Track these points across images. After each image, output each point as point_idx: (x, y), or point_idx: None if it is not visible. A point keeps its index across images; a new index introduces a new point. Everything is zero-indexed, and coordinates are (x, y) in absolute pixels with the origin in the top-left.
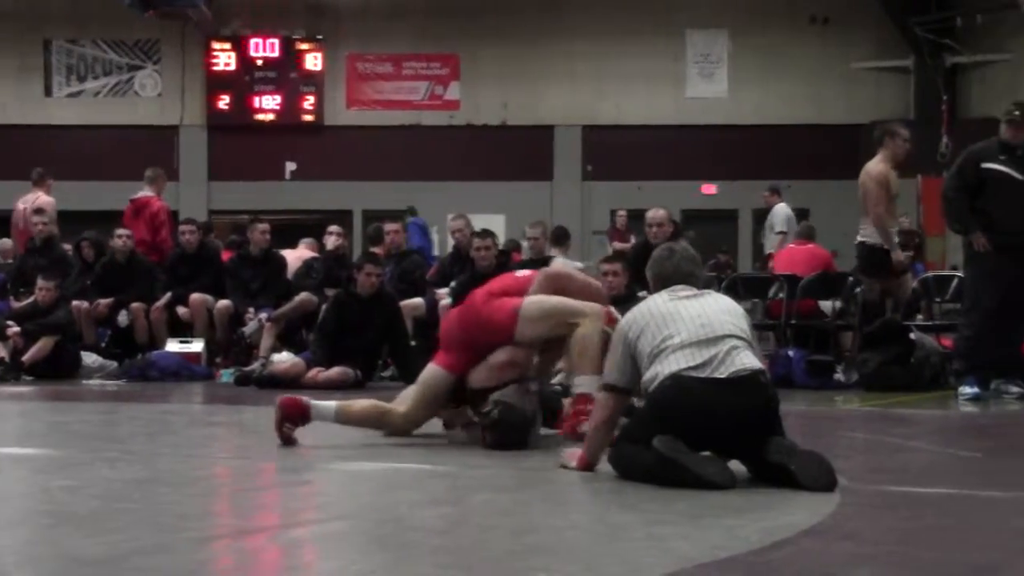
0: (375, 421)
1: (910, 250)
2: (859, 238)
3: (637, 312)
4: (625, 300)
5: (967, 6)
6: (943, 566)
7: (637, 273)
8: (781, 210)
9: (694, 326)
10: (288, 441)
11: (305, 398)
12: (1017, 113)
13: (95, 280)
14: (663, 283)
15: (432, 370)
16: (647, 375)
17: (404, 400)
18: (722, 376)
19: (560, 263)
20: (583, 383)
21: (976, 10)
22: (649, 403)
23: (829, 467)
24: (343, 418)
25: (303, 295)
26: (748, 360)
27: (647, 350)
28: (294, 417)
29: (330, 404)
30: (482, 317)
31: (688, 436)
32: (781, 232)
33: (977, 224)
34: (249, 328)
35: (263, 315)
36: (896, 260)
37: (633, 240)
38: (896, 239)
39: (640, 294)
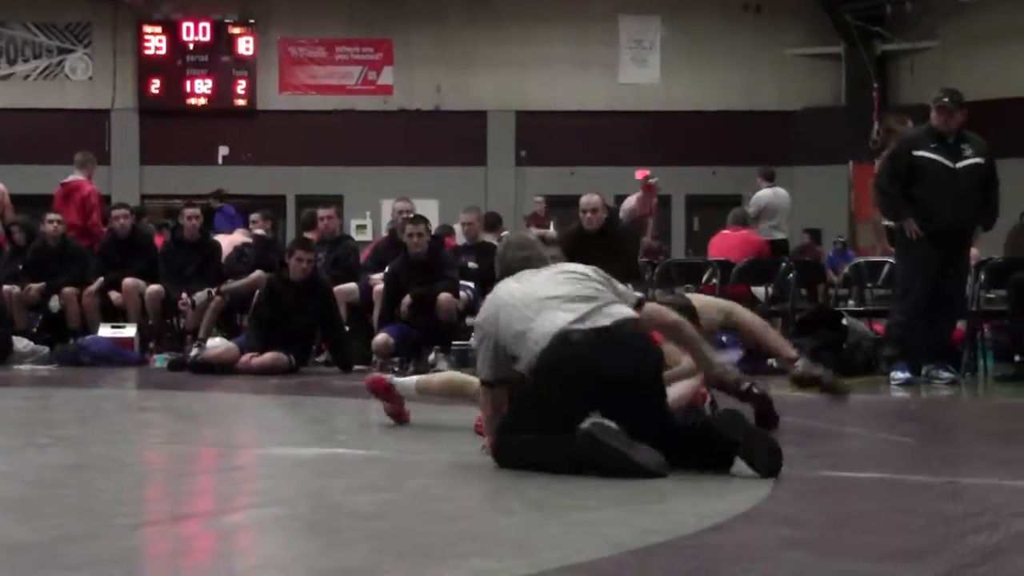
0: None
1: None
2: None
3: (486, 304)
4: None
5: None
6: (875, 550)
7: (570, 260)
8: (756, 198)
9: (562, 289)
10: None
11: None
12: (946, 100)
13: (26, 265)
14: (510, 275)
15: None
16: (533, 335)
17: None
18: (607, 324)
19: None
20: None
21: None
22: (538, 365)
23: (778, 448)
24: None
25: (257, 272)
26: (623, 310)
27: (514, 326)
28: (378, 392)
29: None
30: None
31: (577, 392)
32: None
33: (909, 211)
34: (199, 297)
35: (212, 290)
36: None
37: (552, 225)
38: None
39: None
